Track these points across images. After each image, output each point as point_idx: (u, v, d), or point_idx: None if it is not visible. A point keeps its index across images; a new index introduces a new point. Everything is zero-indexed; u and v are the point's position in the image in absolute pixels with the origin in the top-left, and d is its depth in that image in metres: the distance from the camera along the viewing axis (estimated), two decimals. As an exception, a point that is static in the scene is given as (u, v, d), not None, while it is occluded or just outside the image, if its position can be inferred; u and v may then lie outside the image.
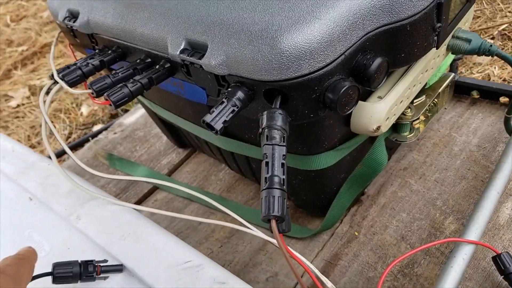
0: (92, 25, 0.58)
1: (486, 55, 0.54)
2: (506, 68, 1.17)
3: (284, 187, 0.35)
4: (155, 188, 0.87)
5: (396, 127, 0.59)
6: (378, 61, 0.40)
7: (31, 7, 2.82)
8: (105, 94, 0.47)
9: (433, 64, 0.54)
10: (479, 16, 1.37)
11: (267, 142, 0.37)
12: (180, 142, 0.92)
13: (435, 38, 0.45)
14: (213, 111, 0.40)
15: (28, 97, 1.93)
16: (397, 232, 0.63)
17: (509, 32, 1.31)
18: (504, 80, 1.15)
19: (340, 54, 0.39)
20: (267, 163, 0.36)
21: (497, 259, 0.52)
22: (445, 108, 0.82)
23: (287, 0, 0.40)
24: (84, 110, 1.67)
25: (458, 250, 0.50)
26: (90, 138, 1.05)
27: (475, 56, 1.28)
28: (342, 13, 0.38)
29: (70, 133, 1.66)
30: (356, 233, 0.65)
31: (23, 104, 1.89)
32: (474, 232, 0.51)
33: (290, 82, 0.39)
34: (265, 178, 0.35)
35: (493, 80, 1.15)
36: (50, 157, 1.02)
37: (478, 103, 0.81)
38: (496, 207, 0.58)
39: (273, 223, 0.33)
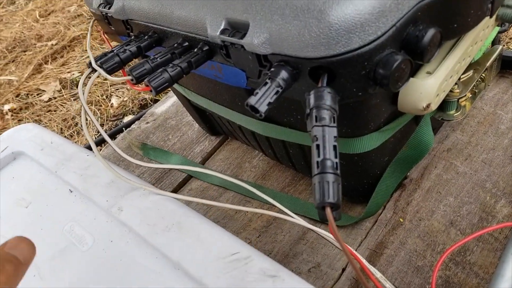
0: (128, 10, 0.57)
1: (541, 25, 0.51)
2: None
3: (338, 171, 0.33)
4: (189, 177, 0.86)
5: (442, 105, 0.57)
6: (431, 32, 0.37)
7: (59, 1, 2.86)
8: (145, 80, 0.46)
9: (482, 36, 0.51)
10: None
11: (316, 124, 0.35)
12: (212, 130, 0.91)
13: (490, 5, 0.42)
14: (257, 93, 0.38)
15: (59, 91, 1.96)
16: (445, 218, 0.60)
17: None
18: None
19: (392, 25, 0.36)
20: (318, 146, 0.34)
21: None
22: (489, 85, 0.78)
23: (333, -28, 0.38)
24: (114, 101, 1.69)
25: (516, 233, 0.47)
26: (123, 129, 1.05)
27: (511, 30, 1.22)
28: (394, -18, 0.35)
29: (102, 125, 1.68)
30: (401, 220, 0.62)
31: (54, 98, 1.93)
32: (532, 213, 0.49)
33: (338, 58, 0.37)
34: (317, 162, 0.33)
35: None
36: (88, 148, 1.03)
37: (524, 79, 0.77)
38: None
39: (328, 210, 0.32)
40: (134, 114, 1.59)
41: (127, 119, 1.58)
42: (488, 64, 0.57)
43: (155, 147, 0.95)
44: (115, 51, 0.54)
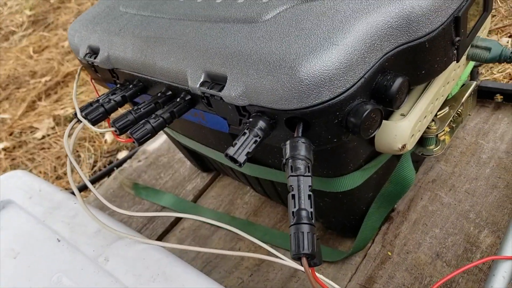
0: (113, 60, 0.60)
1: (507, 62, 0.53)
2: (528, 67, 1.15)
3: (313, 220, 0.34)
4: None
5: (422, 141, 0.58)
6: (399, 81, 0.39)
7: (53, 37, 2.91)
8: (128, 132, 0.47)
9: (454, 76, 0.53)
10: (495, 15, 1.35)
11: (291, 174, 0.37)
12: (204, 167, 0.92)
13: (455, 51, 0.44)
14: (236, 144, 0.40)
15: (53, 128, 1.98)
16: (432, 250, 0.61)
17: (526, 30, 1.29)
18: (524, 79, 1.12)
19: (360, 77, 0.38)
20: (293, 196, 0.36)
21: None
22: (469, 115, 0.80)
23: (303, 28, 0.40)
24: (108, 137, 1.70)
25: (497, 268, 0.48)
26: (115, 168, 1.06)
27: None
28: (359, 37, 0.37)
29: (96, 162, 1.69)
30: (389, 253, 0.63)
31: (48, 135, 1.94)
32: (512, 246, 0.50)
33: (311, 110, 0.39)
34: (293, 212, 0.34)
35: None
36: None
37: (502, 107, 0.79)
38: (533, 218, 0.56)
39: (304, 261, 0.33)
40: (128, 150, 1.61)
41: (121, 155, 1.59)
42: (463, 100, 0.59)
43: (146, 186, 0.96)
44: (100, 101, 0.56)
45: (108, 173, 1.14)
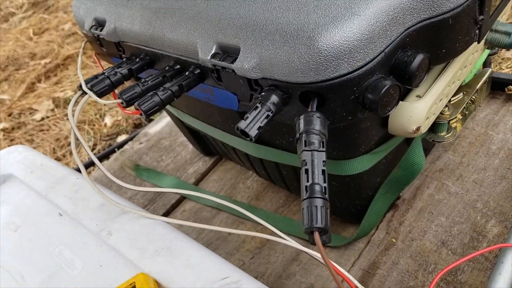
0: (119, 33, 0.58)
1: (527, 49, 0.52)
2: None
3: (326, 196, 0.33)
4: (182, 198, 0.86)
5: (433, 126, 0.57)
6: (419, 57, 0.38)
7: (53, 19, 2.88)
8: (135, 103, 0.46)
9: (471, 60, 0.52)
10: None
11: (305, 148, 0.35)
12: (206, 150, 0.91)
13: (477, 31, 0.42)
14: (247, 117, 0.39)
15: (52, 110, 1.96)
16: (437, 238, 0.60)
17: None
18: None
19: (380, 51, 0.37)
20: (306, 170, 0.34)
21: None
22: (480, 106, 0.79)
23: (322, -2, 0.39)
24: (108, 120, 1.69)
25: (505, 256, 0.47)
26: (116, 149, 1.05)
27: (503, 50, 1.24)
28: (382, 8, 0.36)
29: (95, 145, 1.68)
30: (394, 240, 0.62)
31: (47, 117, 1.92)
32: (524, 235, 0.49)
33: (328, 83, 0.37)
34: (306, 186, 0.33)
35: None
36: (78, 170, 1.02)
37: (513, 99, 0.78)
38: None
39: (317, 235, 0.32)
40: (128, 134, 1.59)
41: (120, 138, 1.57)
42: (478, 86, 0.57)
43: (148, 168, 0.95)
44: (106, 74, 0.54)
45: (108, 154, 1.13)
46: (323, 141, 0.36)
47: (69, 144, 1.75)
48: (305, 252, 0.51)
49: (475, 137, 0.73)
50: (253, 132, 0.38)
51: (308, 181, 0.34)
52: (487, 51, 0.63)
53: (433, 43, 0.40)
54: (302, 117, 0.37)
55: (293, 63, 0.37)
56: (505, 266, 0.47)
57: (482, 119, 0.76)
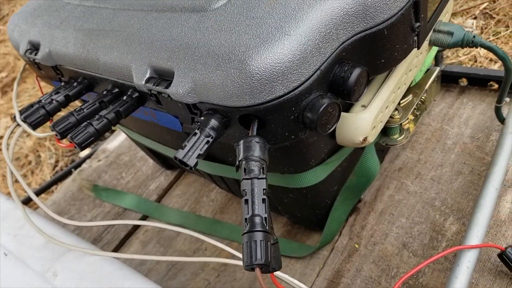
0: (55, 56, 0.55)
1: (470, 47, 0.52)
2: (492, 49, 1.15)
3: (267, 227, 0.32)
4: (145, 217, 0.83)
5: (385, 130, 0.57)
6: (356, 72, 0.37)
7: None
8: (68, 136, 0.43)
9: (416, 63, 0.51)
10: (460, -4, 1.35)
11: (245, 176, 0.34)
12: (167, 164, 0.88)
13: (415, 38, 0.42)
14: (185, 145, 0.37)
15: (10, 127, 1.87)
16: (398, 240, 0.60)
17: (490, 11, 1.29)
18: (491, 60, 1.12)
19: (315, 69, 0.36)
20: (246, 201, 0.33)
21: (503, 256, 0.50)
22: (434, 100, 0.80)
23: (254, 16, 0.37)
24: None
25: (461, 258, 0.47)
26: (73, 170, 1.01)
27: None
28: (313, 25, 0.35)
29: (57, 161, 1.62)
30: (357, 245, 0.62)
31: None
32: (476, 235, 0.49)
33: (264, 106, 0.36)
34: (246, 219, 0.32)
35: (480, 62, 1.13)
36: (26, 201, 0.98)
37: (467, 91, 0.79)
38: (496, 203, 0.55)
39: (258, 271, 0.30)
40: (91, 147, 1.54)
41: (83, 153, 1.52)
42: (426, 87, 0.57)
43: (107, 187, 0.91)
44: (41, 102, 0.51)
45: (66, 175, 1.09)
46: (263, 167, 0.35)
47: (30, 163, 1.68)
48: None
49: (431, 133, 0.73)
50: (191, 162, 0.36)
51: (248, 213, 0.33)
52: (436, 48, 0.62)
53: (371, 54, 0.39)
54: (241, 143, 0.36)
55: (227, 87, 0.36)
56: (461, 269, 0.47)
57: (438, 114, 0.76)
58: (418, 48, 0.43)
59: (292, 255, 0.64)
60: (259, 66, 0.34)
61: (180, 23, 0.42)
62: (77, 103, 0.58)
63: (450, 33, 0.51)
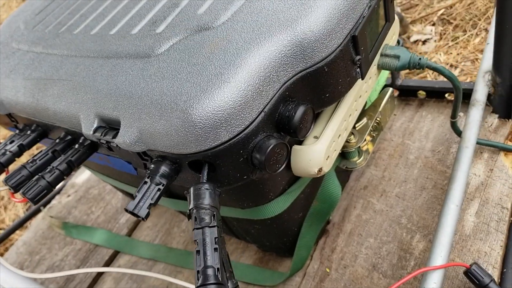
0: (7, 105, 0.54)
1: (417, 69, 0.53)
2: (451, 53, 1.18)
3: (220, 278, 0.31)
4: (117, 252, 0.82)
5: (344, 154, 0.57)
6: (301, 110, 0.37)
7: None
8: (20, 191, 0.42)
9: (366, 88, 0.52)
10: (417, 4, 1.38)
11: (196, 226, 0.34)
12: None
13: (358, 70, 0.42)
14: (136, 196, 0.37)
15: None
16: (368, 261, 0.60)
17: (448, 16, 1.33)
18: (451, 65, 1.15)
19: (259, 112, 0.36)
20: (198, 251, 0.33)
21: (469, 274, 0.50)
22: (395, 114, 0.81)
23: (196, 62, 0.37)
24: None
25: (427, 279, 0.48)
26: (42, 208, 0.99)
27: (420, 44, 1.29)
28: (252, 71, 0.35)
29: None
30: (328, 269, 0.62)
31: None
32: (440, 255, 0.49)
33: (212, 151, 0.36)
34: (197, 272, 0.31)
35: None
36: None
37: (425, 103, 0.80)
38: (459, 218, 0.56)
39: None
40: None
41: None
42: (380, 109, 0.58)
43: (76, 224, 0.90)
44: (-5, 154, 0.50)
45: (35, 213, 1.06)
46: (214, 214, 0.35)
47: (2, 198, 1.64)
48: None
49: (394, 148, 0.74)
50: (143, 213, 0.36)
51: (200, 265, 0.32)
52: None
53: (315, 90, 0.40)
54: (191, 190, 0.36)
55: (172, 136, 0.36)
56: (427, 291, 0.48)
57: (398, 128, 0.77)
58: (363, 79, 0.43)
59: (265, 284, 0.64)
60: (200, 115, 0.34)
61: (124, 70, 0.41)
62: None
63: (397, 57, 0.52)
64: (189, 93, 0.35)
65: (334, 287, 0.60)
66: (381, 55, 0.53)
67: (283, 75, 0.37)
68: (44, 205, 1.02)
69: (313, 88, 0.39)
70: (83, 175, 1.04)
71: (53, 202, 1.01)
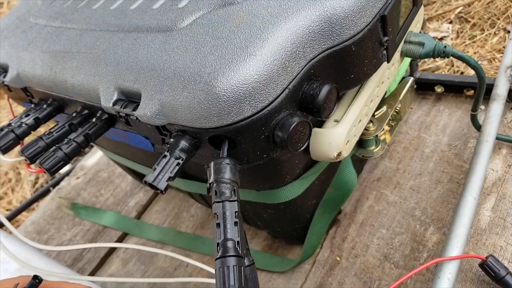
0: (23, 78, 0.54)
1: (441, 57, 0.52)
2: (468, 52, 1.16)
3: (240, 251, 0.31)
4: (125, 234, 0.82)
5: (361, 143, 0.56)
6: (325, 89, 0.36)
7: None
8: (37, 161, 0.42)
9: (388, 74, 0.51)
10: (435, 1, 1.36)
11: (216, 200, 0.33)
12: (145, 180, 0.87)
13: (384, 52, 0.42)
14: (155, 168, 0.36)
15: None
16: (379, 251, 0.60)
17: (465, 14, 1.31)
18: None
19: (283, 88, 0.35)
20: (218, 224, 0.32)
21: (484, 266, 0.50)
22: (411, 108, 0.80)
23: (220, 36, 0.37)
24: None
25: (442, 270, 0.47)
26: (51, 188, 0.99)
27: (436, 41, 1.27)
28: (279, 45, 0.34)
29: (37, 178, 1.59)
30: (338, 258, 0.61)
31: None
32: (456, 246, 0.49)
33: (233, 127, 0.35)
34: (218, 244, 0.31)
35: (457, 66, 1.13)
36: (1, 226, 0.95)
37: (443, 98, 0.79)
38: (475, 212, 0.55)
39: (231, 298, 0.30)
40: (72, 163, 1.52)
41: (63, 170, 1.50)
42: (400, 97, 0.57)
43: (85, 206, 0.90)
44: (11, 126, 0.50)
45: (45, 193, 1.07)
46: (235, 189, 0.34)
47: (10, 181, 1.65)
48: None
49: (409, 141, 0.73)
50: (162, 185, 0.36)
51: (220, 237, 0.32)
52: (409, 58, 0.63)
53: (340, 70, 0.39)
54: (211, 165, 0.35)
55: (195, 109, 0.35)
56: (442, 281, 0.47)
57: (415, 122, 0.76)
58: (388, 62, 0.43)
59: (274, 270, 0.64)
60: (225, 88, 0.33)
61: (146, 43, 0.41)
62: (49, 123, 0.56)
63: (421, 44, 0.51)
64: (213, 65, 0.34)
65: (345, 275, 0.59)
66: (405, 41, 0.52)
67: (309, 51, 0.36)
68: (53, 186, 1.02)
69: (338, 68, 0.38)
70: (92, 158, 1.04)
71: (62, 183, 1.01)
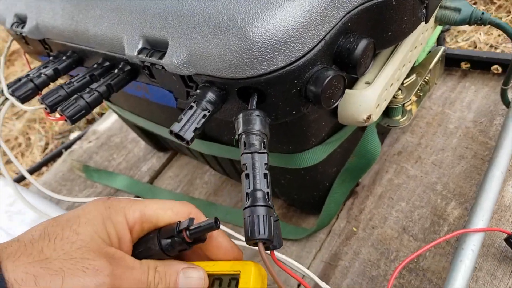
0: (42, 29, 0.52)
1: (478, 24, 0.50)
2: (492, 34, 1.13)
3: (269, 202, 0.30)
4: (137, 198, 0.81)
5: (387, 111, 0.55)
6: (363, 43, 0.35)
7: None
8: (58, 109, 0.41)
9: (422, 40, 0.49)
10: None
11: (245, 151, 0.32)
12: (159, 146, 0.86)
13: (424, 11, 0.40)
14: (181, 119, 0.35)
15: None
16: (398, 224, 0.59)
17: (491, -5, 1.26)
18: (491, 46, 1.10)
19: (320, 39, 0.33)
20: (247, 175, 0.31)
21: (510, 240, 0.48)
22: (436, 83, 0.78)
23: (254, -18, 0.35)
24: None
25: (466, 241, 0.46)
26: (63, 150, 0.98)
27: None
28: (318, -8, 0.32)
29: (47, 144, 1.59)
30: (355, 229, 0.60)
31: (-6, 118, 1.80)
32: (481, 219, 0.47)
33: (265, 78, 0.34)
34: (247, 193, 0.30)
35: (480, 47, 1.10)
36: (18, 179, 0.95)
37: (469, 74, 0.77)
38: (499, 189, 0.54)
39: (260, 246, 0.29)
40: (81, 130, 1.51)
41: (73, 135, 1.49)
42: (430, 67, 0.55)
43: (98, 169, 0.89)
44: (30, 76, 0.49)
45: (56, 156, 1.06)
46: (264, 141, 0.33)
47: (20, 145, 1.65)
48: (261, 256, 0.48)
49: (432, 117, 0.71)
50: (188, 135, 0.34)
51: (249, 187, 0.31)
52: (440, 28, 0.60)
53: (378, 26, 0.37)
54: (240, 116, 0.34)
55: (225, 57, 0.33)
56: (466, 252, 0.46)
57: (439, 98, 0.74)
58: (426, 22, 0.41)
59: (288, 237, 0.63)
60: (259, 34, 0.32)
61: (175, -10, 0.39)
62: (66, 78, 0.55)
63: (458, 10, 0.49)
64: (247, 10, 0.33)
65: (361, 246, 0.58)
66: (441, 7, 0.50)
67: (348, 2, 0.34)
68: (66, 149, 1.02)
69: (377, 23, 0.37)
70: (104, 123, 1.03)
71: (74, 146, 1.00)
